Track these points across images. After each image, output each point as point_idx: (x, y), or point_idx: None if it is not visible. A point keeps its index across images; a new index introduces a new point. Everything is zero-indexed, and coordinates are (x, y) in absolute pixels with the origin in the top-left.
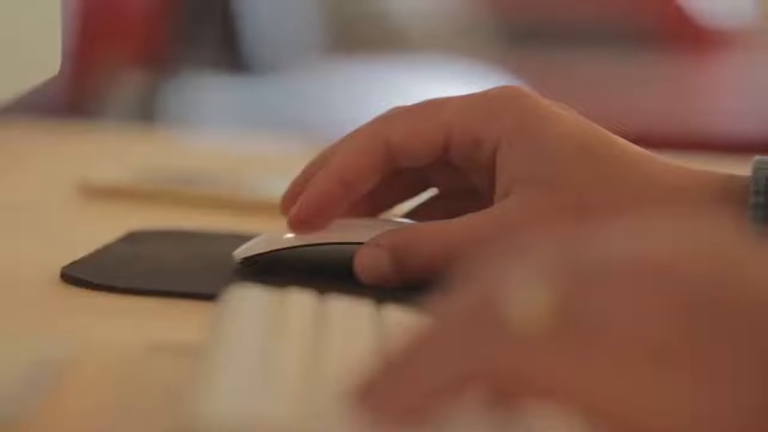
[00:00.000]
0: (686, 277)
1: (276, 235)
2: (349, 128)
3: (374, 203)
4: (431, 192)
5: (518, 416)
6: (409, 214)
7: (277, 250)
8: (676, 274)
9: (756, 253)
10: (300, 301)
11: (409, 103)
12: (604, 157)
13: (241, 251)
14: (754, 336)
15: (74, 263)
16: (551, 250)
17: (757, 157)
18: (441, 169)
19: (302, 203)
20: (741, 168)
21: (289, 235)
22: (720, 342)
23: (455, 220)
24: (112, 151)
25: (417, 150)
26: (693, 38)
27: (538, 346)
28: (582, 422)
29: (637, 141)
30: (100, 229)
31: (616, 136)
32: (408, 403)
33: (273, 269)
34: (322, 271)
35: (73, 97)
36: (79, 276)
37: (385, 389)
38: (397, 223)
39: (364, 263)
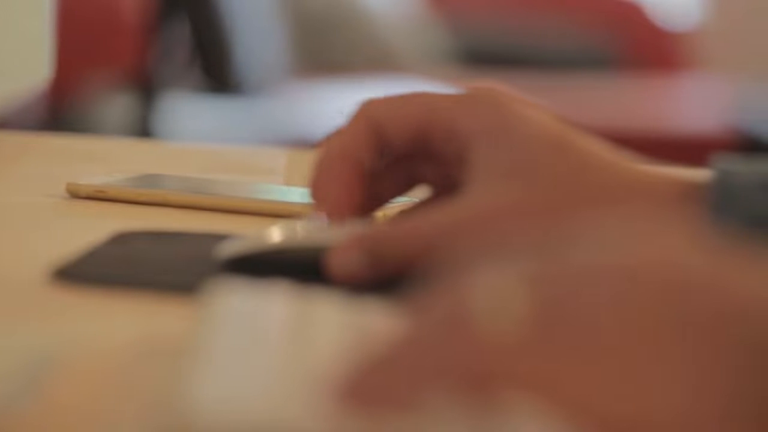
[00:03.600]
0: (658, 283)
1: (261, 236)
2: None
3: (369, 198)
4: (425, 191)
5: (494, 415)
6: (403, 215)
7: (261, 252)
8: (649, 281)
9: (723, 261)
10: (284, 294)
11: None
12: (575, 156)
13: (225, 251)
14: (719, 342)
15: (66, 262)
16: (525, 254)
17: (716, 156)
18: (429, 163)
19: (324, 196)
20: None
21: (275, 237)
22: (686, 347)
23: (427, 215)
24: (99, 157)
25: (399, 131)
26: (658, 57)
27: (511, 349)
28: (558, 422)
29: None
30: (88, 232)
31: (589, 136)
32: (387, 403)
33: (256, 269)
34: (304, 273)
35: (56, 117)
36: (72, 272)
37: (365, 391)
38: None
39: (338, 263)
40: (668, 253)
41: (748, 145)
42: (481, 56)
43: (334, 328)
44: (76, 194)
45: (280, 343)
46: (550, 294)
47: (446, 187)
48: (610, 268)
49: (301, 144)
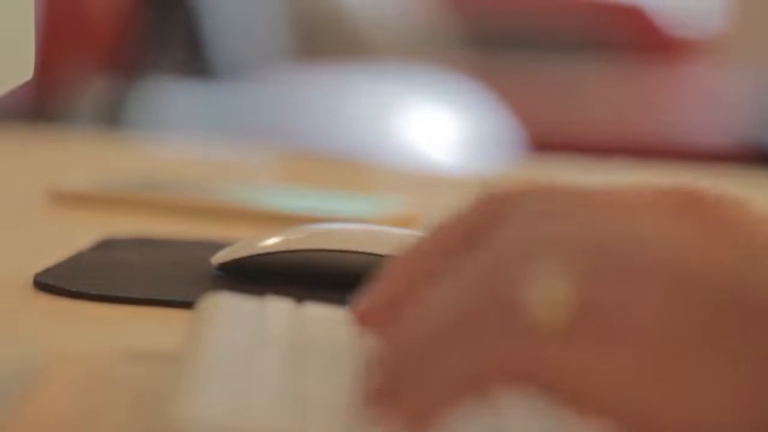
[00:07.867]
0: (716, 279)
1: (253, 241)
2: (313, 134)
3: None
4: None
5: (534, 412)
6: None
7: (254, 255)
8: (706, 274)
9: None
10: (277, 308)
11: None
12: None
13: (220, 257)
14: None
15: (47, 270)
16: (571, 236)
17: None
18: None
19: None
20: (703, 177)
21: (267, 242)
22: (740, 347)
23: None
24: (83, 158)
25: None
26: (660, 47)
27: (556, 340)
28: (599, 420)
29: (600, 149)
30: (72, 236)
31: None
32: (422, 405)
33: (249, 276)
34: (298, 278)
35: (38, 103)
36: (53, 283)
37: (398, 392)
38: (377, 230)
39: None
40: (732, 254)
41: (760, 155)
42: (486, 41)
43: (328, 341)
44: (61, 197)
45: (273, 356)
46: (600, 282)
47: None
48: (666, 262)
49: (284, 131)
